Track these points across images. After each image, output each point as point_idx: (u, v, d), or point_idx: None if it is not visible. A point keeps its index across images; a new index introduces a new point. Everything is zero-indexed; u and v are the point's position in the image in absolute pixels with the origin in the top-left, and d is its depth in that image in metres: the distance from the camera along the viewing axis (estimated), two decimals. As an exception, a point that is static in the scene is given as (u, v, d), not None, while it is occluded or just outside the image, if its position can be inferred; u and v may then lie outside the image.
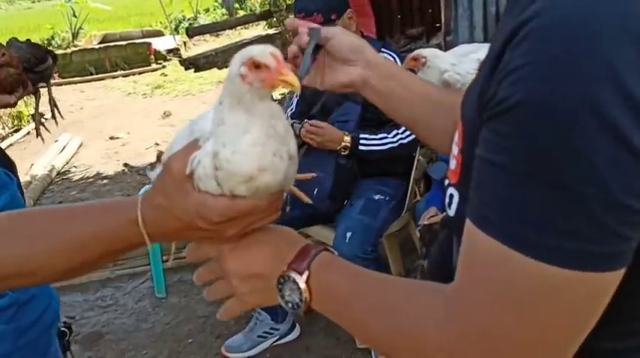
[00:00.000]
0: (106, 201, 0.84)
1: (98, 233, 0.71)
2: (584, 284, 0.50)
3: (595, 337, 0.54)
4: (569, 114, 0.48)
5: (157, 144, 6.40)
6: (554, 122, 0.48)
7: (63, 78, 10.43)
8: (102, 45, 11.72)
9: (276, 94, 7.06)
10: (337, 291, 0.67)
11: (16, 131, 7.41)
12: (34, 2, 33.93)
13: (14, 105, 1.91)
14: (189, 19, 13.83)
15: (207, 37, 11.18)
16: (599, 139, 0.47)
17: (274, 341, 2.77)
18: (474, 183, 0.56)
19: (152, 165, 0.84)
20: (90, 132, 7.21)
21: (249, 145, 0.63)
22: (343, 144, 2.45)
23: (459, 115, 0.69)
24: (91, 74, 10.88)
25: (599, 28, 0.48)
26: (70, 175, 5.92)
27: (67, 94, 9.24)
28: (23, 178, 4.42)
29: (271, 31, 6.99)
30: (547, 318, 0.52)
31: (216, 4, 15.09)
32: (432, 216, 2.37)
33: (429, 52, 1.74)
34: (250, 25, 10.30)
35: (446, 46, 3.85)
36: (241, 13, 12.37)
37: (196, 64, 4.82)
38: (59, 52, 9.87)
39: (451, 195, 0.69)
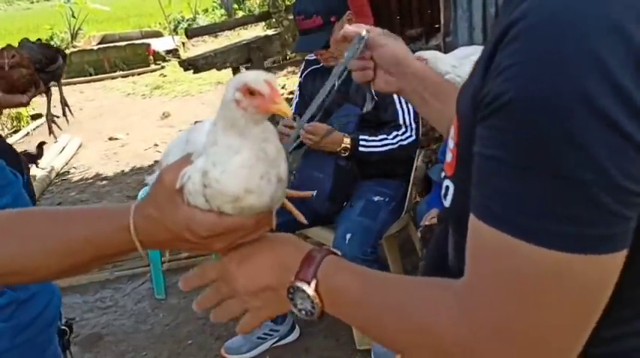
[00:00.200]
0: (102, 207, 0.88)
1: (91, 237, 0.73)
2: (587, 267, 0.52)
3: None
4: (563, 108, 0.50)
5: (156, 144, 6.40)
6: (548, 115, 0.51)
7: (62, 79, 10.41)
8: (101, 46, 11.71)
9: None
10: (348, 294, 0.68)
11: (15, 132, 7.41)
12: (32, 3, 33.90)
13: (27, 104, 1.95)
14: (188, 20, 13.82)
15: (206, 37, 11.17)
16: (593, 128, 0.49)
17: (274, 343, 2.76)
18: (474, 180, 0.58)
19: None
20: (89, 133, 7.21)
21: (237, 167, 0.66)
22: (343, 145, 2.45)
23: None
24: (90, 75, 10.88)
25: (587, 26, 0.50)
26: (69, 176, 5.93)
27: (67, 95, 9.20)
28: (22, 179, 4.40)
29: (270, 32, 6.98)
30: (555, 305, 0.53)
31: (214, 4, 15.08)
32: (433, 218, 2.37)
33: (429, 54, 1.74)
34: (249, 25, 10.30)
35: (445, 47, 3.85)
36: (240, 13, 12.35)
37: (195, 64, 4.81)
38: (58, 52, 9.84)
39: (447, 187, 0.72)
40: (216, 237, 0.70)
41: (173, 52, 11.27)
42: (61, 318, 1.34)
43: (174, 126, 7.03)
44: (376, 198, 2.58)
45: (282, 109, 0.64)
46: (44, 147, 5.06)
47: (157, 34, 12.76)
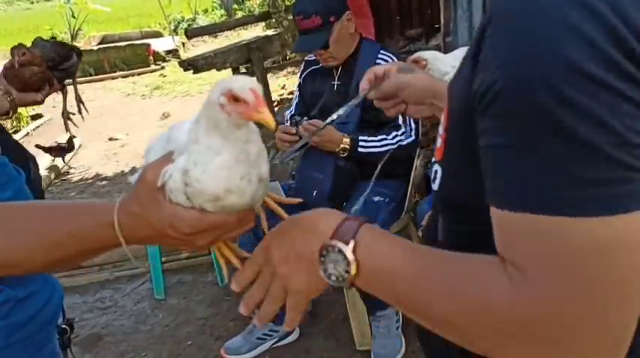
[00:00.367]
0: (88, 203, 0.90)
1: (74, 231, 0.75)
2: (627, 229, 0.51)
3: None
4: (554, 80, 0.51)
5: (155, 145, 6.39)
6: (542, 92, 0.51)
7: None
8: (101, 46, 11.73)
9: (275, 96, 7.06)
10: (392, 265, 0.63)
11: (15, 132, 7.40)
12: (32, 3, 33.90)
13: (41, 102, 1.96)
14: (187, 20, 13.84)
15: (205, 38, 11.18)
16: (587, 90, 0.50)
17: (274, 343, 2.76)
18: (488, 174, 0.58)
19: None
20: (89, 133, 7.19)
21: (217, 167, 0.67)
22: (342, 145, 2.45)
23: None
24: (90, 75, 10.88)
25: (555, 1, 0.53)
26: (69, 176, 5.93)
27: (67, 95, 9.22)
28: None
29: (270, 32, 6.98)
30: (608, 276, 0.52)
31: (214, 4, 15.08)
32: (433, 218, 2.37)
33: (429, 55, 1.73)
34: (249, 26, 10.31)
35: (445, 47, 3.85)
36: (240, 14, 12.36)
37: (195, 65, 4.80)
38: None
39: (436, 171, 0.74)
40: (199, 234, 0.71)
41: (173, 53, 11.29)
42: (64, 317, 1.33)
43: (174, 126, 7.02)
44: (376, 198, 2.57)
45: (264, 119, 0.64)
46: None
47: (157, 35, 12.78)
